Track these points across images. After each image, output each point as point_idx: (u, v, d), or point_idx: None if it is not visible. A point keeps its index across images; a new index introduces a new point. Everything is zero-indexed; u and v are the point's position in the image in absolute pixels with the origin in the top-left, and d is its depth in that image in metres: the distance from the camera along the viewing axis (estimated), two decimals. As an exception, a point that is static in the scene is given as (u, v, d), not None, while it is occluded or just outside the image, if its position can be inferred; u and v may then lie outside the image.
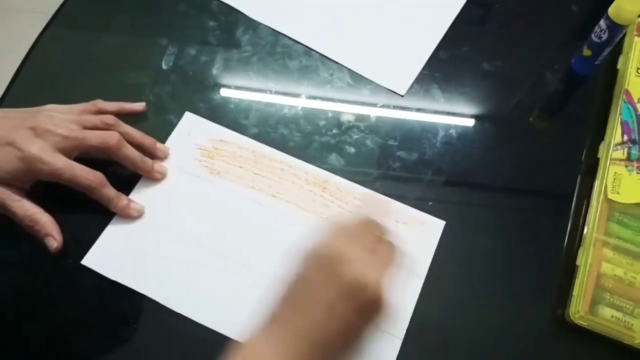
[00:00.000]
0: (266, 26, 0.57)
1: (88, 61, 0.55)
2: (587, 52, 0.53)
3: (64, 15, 0.58)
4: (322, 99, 0.54)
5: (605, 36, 0.50)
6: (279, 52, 0.56)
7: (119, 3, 0.59)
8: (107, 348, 0.43)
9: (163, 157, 0.49)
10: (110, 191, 0.45)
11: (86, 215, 0.46)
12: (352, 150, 0.51)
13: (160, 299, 0.44)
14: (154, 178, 0.48)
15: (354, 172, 0.50)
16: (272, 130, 0.52)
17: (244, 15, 0.58)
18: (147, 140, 0.48)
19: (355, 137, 0.52)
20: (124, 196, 0.46)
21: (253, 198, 0.48)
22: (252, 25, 0.57)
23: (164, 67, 0.55)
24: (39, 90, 0.54)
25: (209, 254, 0.46)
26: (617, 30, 0.49)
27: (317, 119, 0.53)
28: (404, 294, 0.44)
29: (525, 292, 0.46)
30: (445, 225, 0.47)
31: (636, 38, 0.54)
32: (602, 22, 0.50)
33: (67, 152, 0.43)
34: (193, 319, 0.43)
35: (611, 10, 0.49)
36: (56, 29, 0.57)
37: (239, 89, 0.54)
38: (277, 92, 0.54)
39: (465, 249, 0.47)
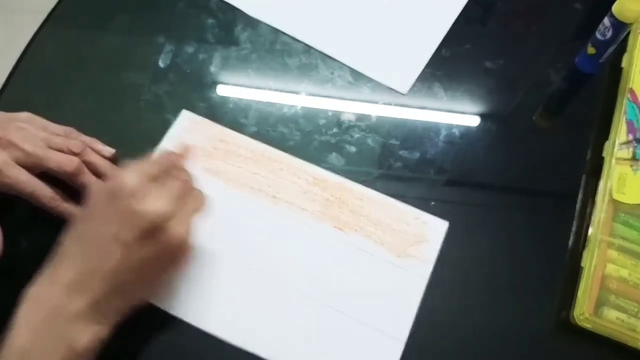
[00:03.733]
0: (265, 24, 0.56)
1: (84, 60, 0.55)
2: (591, 50, 0.52)
3: (60, 14, 0.58)
4: (322, 97, 0.53)
5: (609, 34, 0.49)
6: (278, 50, 0.55)
7: (115, 1, 0.59)
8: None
9: None
10: (70, 207, 0.44)
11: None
12: (353, 149, 0.51)
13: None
14: None
15: (354, 171, 0.49)
16: (271, 129, 0.51)
17: (243, 12, 0.57)
18: (112, 171, 0.46)
19: (356, 136, 0.51)
20: None
21: (252, 198, 0.47)
22: (251, 22, 0.57)
23: (162, 65, 0.54)
24: (35, 89, 0.53)
25: (206, 253, 0.45)
26: (621, 28, 0.48)
27: (317, 118, 0.52)
28: (406, 296, 0.44)
29: (529, 294, 0.45)
30: (448, 225, 0.47)
31: (641, 36, 0.53)
32: (606, 20, 0.49)
33: (27, 169, 0.43)
34: (185, 319, 0.43)
35: (615, 8, 0.48)
36: (52, 27, 0.57)
37: (237, 87, 0.54)
38: (276, 91, 0.53)
39: (469, 249, 0.47)
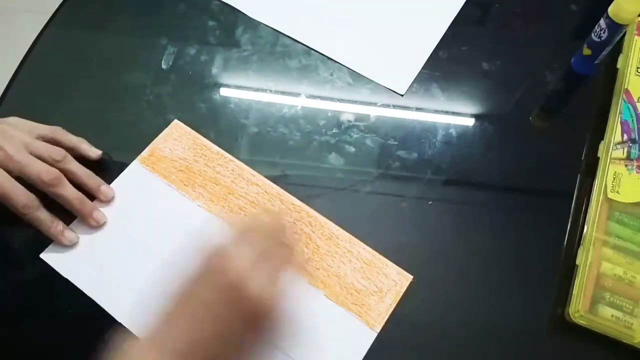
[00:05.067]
0: (266, 25, 0.57)
1: (87, 61, 0.55)
2: (587, 51, 0.53)
3: (63, 15, 0.58)
4: (321, 98, 0.54)
5: (605, 35, 0.50)
6: (278, 51, 0.56)
7: (118, 3, 0.59)
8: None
9: (105, 201, 0.47)
10: (42, 214, 0.44)
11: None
12: (352, 149, 0.51)
13: (105, 304, 0.43)
14: (88, 224, 0.46)
15: (353, 171, 0.50)
16: (271, 130, 0.52)
17: (244, 14, 0.58)
18: (91, 181, 0.46)
19: (355, 136, 0.52)
20: (59, 223, 0.45)
21: (219, 218, 0.47)
22: (252, 24, 0.57)
23: (164, 66, 0.55)
24: (38, 90, 0.54)
25: (161, 265, 0.45)
26: (616, 29, 0.49)
27: (316, 119, 0.53)
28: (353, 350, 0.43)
29: (525, 292, 0.46)
30: (445, 225, 0.47)
31: (636, 37, 0.54)
32: (601, 21, 0.50)
33: (6, 171, 0.43)
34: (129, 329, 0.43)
35: (611, 10, 0.48)
36: (55, 28, 0.57)
37: (238, 88, 0.54)
38: (276, 92, 0.54)
39: (465, 248, 0.47)
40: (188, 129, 0.51)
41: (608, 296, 0.43)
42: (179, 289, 0.36)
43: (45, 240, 0.45)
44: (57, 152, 0.45)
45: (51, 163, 0.44)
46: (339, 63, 0.55)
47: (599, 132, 0.51)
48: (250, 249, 0.36)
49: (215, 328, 0.34)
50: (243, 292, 0.35)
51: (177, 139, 0.51)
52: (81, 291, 0.44)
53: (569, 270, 0.45)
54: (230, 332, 0.35)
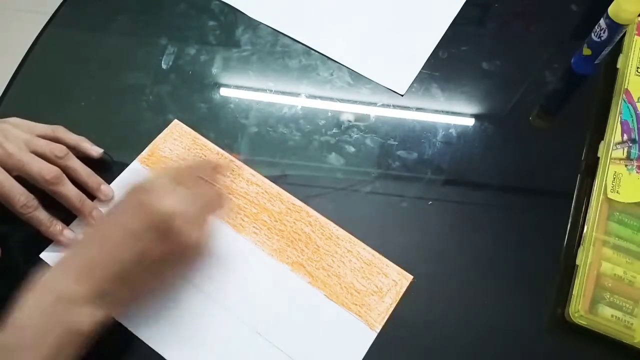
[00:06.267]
0: (266, 25, 0.57)
1: (87, 61, 0.55)
2: (587, 51, 0.53)
3: (63, 15, 0.58)
4: (321, 98, 0.54)
5: (605, 35, 0.50)
6: (278, 51, 0.56)
7: (118, 3, 0.59)
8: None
9: (105, 201, 0.46)
10: (41, 214, 0.44)
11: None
12: (352, 149, 0.51)
13: None
14: (88, 223, 0.45)
15: (353, 171, 0.50)
16: (271, 130, 0.52)
17: (244, 14, 0.58)
18: (91, 180, 0.46)
19: (355, 136, 0.52)
20: (58, 223, 0.45)
21: (220, 220, 0.47)
22: (252, 24, 0.57)
23: (164, 66, 0.55)
24: (38, 90, 0.54)
25: None
26: (616, 29, 0.49)
27: (316, 119, 0.53)
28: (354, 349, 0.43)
29: (525, 292, 0.46)
30: (445, 225, 0.47)
31: (636, 37, 0.54)
32: (602, 22, 0.50)
33: (7, 170, 0.43)
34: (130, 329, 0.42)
35: (611, 10, 0.49)
36: (55, 29, 0.57)
37: (238, 88, 0.54)
38: (276, 92, 0.54)
39: (465, 248, 0.47)
40: (188, 129, 0.51)
41: (608, 296, 0.43)
42: (101, 219, 0.38)
43: (45, 240, 0.45)
44: (59, 149, 0.45)
45: (53, 160, 0.44)
46: (339, 63, 0.55)
47: (599, 132, 0.51)
48: (180, 189, 0.38)
49: (136, 249, 0.36)
50: (169, 228, 0.36)
51: (177, 139, 0.51)
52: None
53: (569, 270, 0.45)
54: (146, 260, 0.37)
